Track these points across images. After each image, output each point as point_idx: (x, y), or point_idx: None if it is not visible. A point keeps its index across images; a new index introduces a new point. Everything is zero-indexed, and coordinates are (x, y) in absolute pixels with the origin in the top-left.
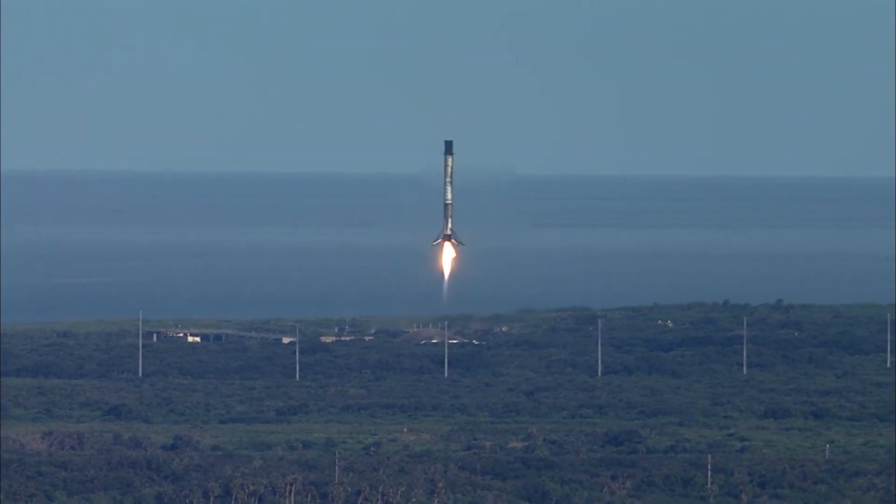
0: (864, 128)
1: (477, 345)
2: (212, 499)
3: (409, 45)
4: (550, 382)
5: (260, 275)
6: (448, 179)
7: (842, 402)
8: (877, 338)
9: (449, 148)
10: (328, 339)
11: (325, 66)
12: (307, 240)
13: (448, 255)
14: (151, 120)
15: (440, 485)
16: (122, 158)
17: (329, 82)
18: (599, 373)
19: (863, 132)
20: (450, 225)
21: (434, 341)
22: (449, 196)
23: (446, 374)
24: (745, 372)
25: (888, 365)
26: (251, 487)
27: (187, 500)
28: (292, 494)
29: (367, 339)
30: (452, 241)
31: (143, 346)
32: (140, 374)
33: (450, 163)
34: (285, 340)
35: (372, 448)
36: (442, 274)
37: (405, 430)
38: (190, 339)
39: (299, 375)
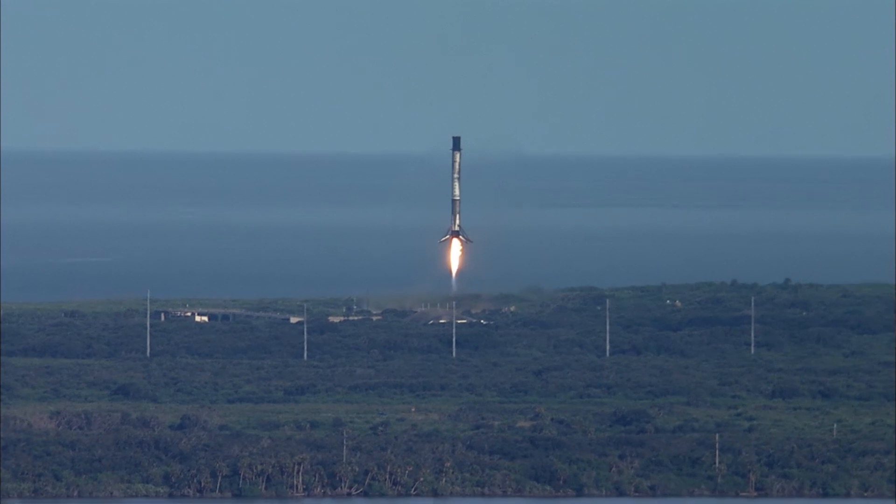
0: (870, 108)
1: (485, 325)
2: (219, 478)
3: (416, 25)
4: (558, 362)
5: (268, 254)
6: (456, 175)
7: (850, 381)
8: (885, 317)
9: (457, 144)
10: (336, 319)
11: (331, 45)
12: (315, 219)
13: (456, 252)
14: (160, 99)
15: (448, 464)
16: (133, 138)
17: (336, 61)
18: (607, 352)
19: (869, 112)
20: (458, 221)
21: (442, 321)
22: (457, 192)
23: (454, 354)
24: (752, 351)
25: None
26: (259, 467)
27: (195, 480)
28: (300, 474)
29: (374, 318)
30: (460, 237)
31: (151, 326)
32: (148, 354)
33: (457, 159)
34: (293, 320)
35: (380, 428)
36: (450, 271)
37: (413, 409)
38: (198, 318)
39: (307, 355)
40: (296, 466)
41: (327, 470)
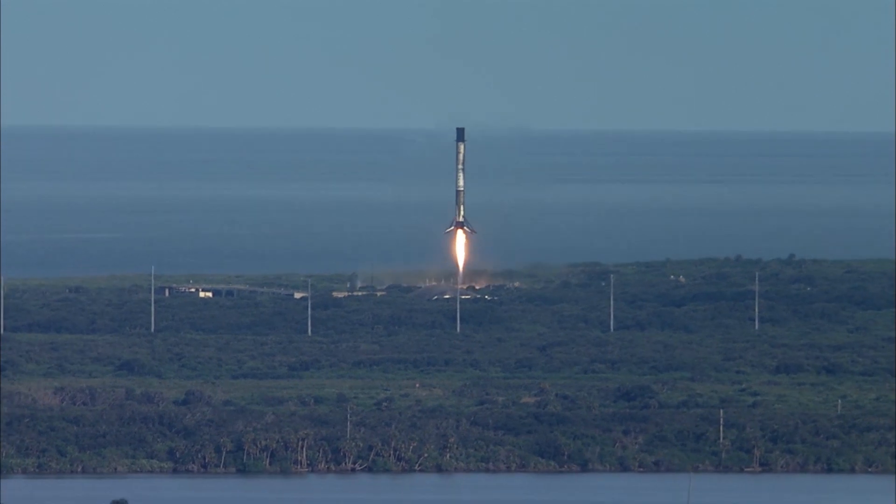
0: (872, 83)
1: (489, 300)
2: (224, 454)
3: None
4: (563, 338)
5: (272, 230)
6: (460, 166)
7: (854, 356)
8: (889, 293)
9: (461, 135)
10: (340, 295)
11: (337, 21)
12: (319, 195)
13: (461, 243)
14: (163, 74)
15: (452, 440)
16: (137, 114)
17: (342, 38)
18: (612, 328)
19: (871, 87)
20: (462, 212)
21: (446, 296)
22: (461, 183)
23: (458, 330)
24: (757, 327)
25: None
26: (263, 442)
27: (199, 455)
28: (304, 449)
29: (378, 294)
30: (465, 228)
31: (156, 302)
32: (152, 330)
33: (462, 150)
34: (297, 296)
35: (384, 403)
36: (456, 262)
37: (417, 385)
38: (202, 294)
39: (311, 331)
40: (300, 442)
41: (331, 445)
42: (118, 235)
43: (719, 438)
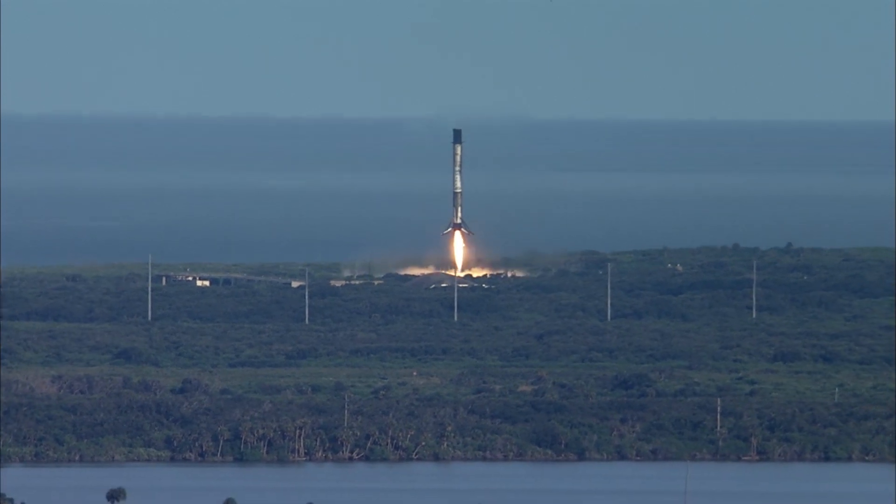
0: (871, 71)
1: (486, 289)
2: (221, 442)
3: None
4: (560, 326)
5: (269, 218)
6: (457, 168)
7: (851, 345)
8: (886, 281)
9: (458, 137)
10: (337, 283)
11: (337, 8)
12: (316, 183)
13: (459, 244)
14: (161, 62)
15: (449, 428)
16: (135, 102)
17: (341, 24)
18: (609, 316)
19: (870, 75)
20: (459, 214)
21: (443, 285)
22: (458, 185)
23: (456, 318)
24: (754, 315)
25: None
26: (260, 431)
27: (196, 444)
28: (301, 438)
29: (376, 283)
30: (462, 229)
31: (153, 290)
32: (149, 318)
33: (458, 151)
34: (294, 284)
35: (381, 392)
36: (454, 263)
37: (415, 373)
38: (199, 283)
39: (308, 319)
40: (297, 430)
41: (329, 434)
42: (116, 224)
43: (717, 427)
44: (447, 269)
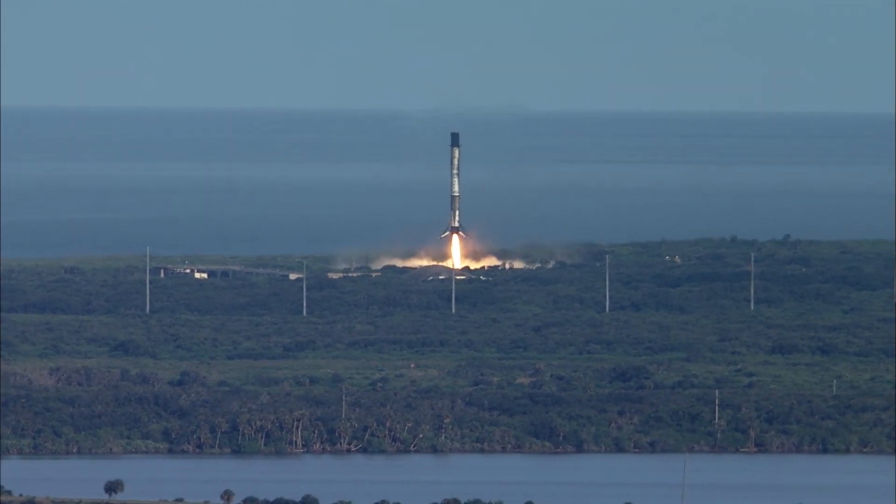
0: (871, 64)
1: (484, 280)
2: (219, 434)
3: None
4: (558, 318)
5: (267, 211)
6: (455, 171)
7: (849, 337)
8: (884, 273)
9: (455, 140)
10: (335, 276)
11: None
12: (315, 176)
13: (456, 248)
14: (160, 54)
15: (447, 420)
16: (133, 94)
17: (340, 17)
18: (607, 308)
19: (870, 68)
20: (457, 217)
21: (441, 277)
22: (456, 189)
23: (454, 310)
24: (752, 308)
25: None
26: (258, 423)
27: (194, 436)
28: (299, 430)
29: (373, 275)
30: (460, 233)
31: (151, 282)
32: (147, 310)
33: (457, 154)
34: (292, 276)
35: (379, 384)
36: (452, 265)
37: (412, 365)
38: (197, 275)
39: (306, 311)
40: (295, 422)
41: (326, 426)
42: (114, 216)
43: (715, 419)
44: (444, 262)
